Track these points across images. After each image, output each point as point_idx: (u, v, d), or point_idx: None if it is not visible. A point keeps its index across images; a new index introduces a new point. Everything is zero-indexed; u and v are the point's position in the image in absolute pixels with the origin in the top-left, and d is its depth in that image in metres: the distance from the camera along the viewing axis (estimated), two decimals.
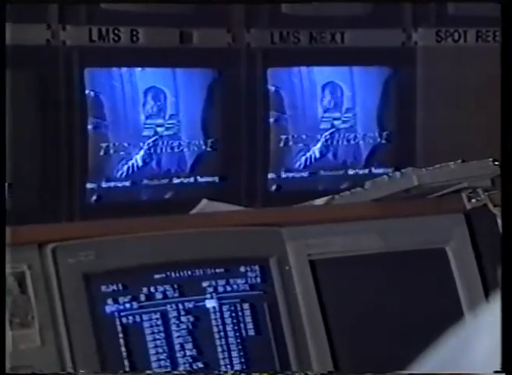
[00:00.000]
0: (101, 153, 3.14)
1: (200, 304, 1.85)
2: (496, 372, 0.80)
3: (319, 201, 2.15)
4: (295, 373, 1.92)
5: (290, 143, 3.36)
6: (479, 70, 3.37)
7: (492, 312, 0.88)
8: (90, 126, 3.05)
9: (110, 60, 3.13)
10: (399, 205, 2.09)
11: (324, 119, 3.38)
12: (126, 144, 3.19)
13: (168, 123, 3.25)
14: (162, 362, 1.82)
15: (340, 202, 2.14)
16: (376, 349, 1.90)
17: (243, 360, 1.88)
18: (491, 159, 2.06)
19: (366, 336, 1.97)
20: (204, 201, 2.14)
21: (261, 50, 3.24)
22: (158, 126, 3.21)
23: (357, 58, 3.41)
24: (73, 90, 3.01)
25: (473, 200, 2.03)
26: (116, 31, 3.06)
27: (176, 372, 1.73)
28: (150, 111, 3.21)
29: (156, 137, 3.23)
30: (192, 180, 3.17)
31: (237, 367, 1.89)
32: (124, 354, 1.79)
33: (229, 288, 1.87)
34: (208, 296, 1.85)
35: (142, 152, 3.18)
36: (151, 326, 1.81)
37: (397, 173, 2.14)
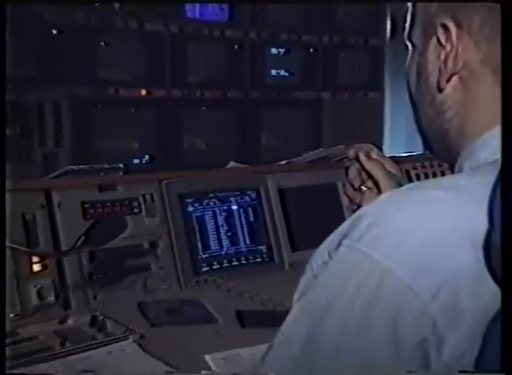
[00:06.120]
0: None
1: (230, 207, 1.92)
2: (497, 372, 0.59)
3: (283, 162, 2.16)
4: None
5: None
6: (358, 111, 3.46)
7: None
8: None
9: None
10: (318, 164, 2.09)
11: None
12: None
13: None
14: (212, 233, 1.86)
15: (295, 161, 2.14)
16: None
17: (249, 232, 1.93)
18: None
19: (308, 227, 1.95)
20: (232, 163, 2.14)
21: None
22: None
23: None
24: None
25: (348, 162, 1.83)
26: None
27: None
28: None
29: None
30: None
31: (247, 237, 1.91)
32: (197, 232, 1.84)
33: (242, 201, 1.93)
34: (234, 203, 1.92)
35: None
36: (208, 218, 1.87)
37: (322, 149, 2.15)
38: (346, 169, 1.34)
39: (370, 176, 1.21)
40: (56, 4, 2.55)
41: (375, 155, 1.23)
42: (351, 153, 1.24)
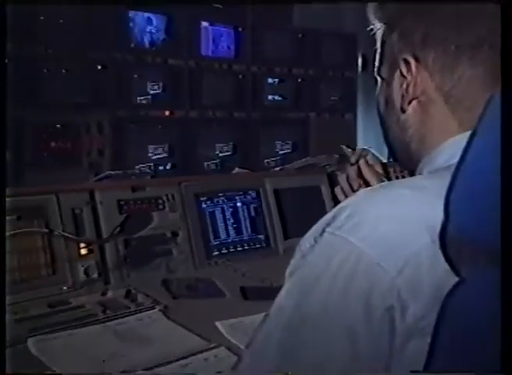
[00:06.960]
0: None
1: (235, 204, 1.85)
2: (497, 372, 0.52)
3: (277, 168, 2.16)
4: None
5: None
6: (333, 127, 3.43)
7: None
8: None
9: None
10: (305, 170, 2.06)
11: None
12: None
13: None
14: (221, 225, 1.80)
15: (287, 168, 2.11)
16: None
17: (251, 224, 1.87)
18: (336, 155, 1.97)
19: (296, 217, 1.90)
20: (237, 169, 2.10)
21: None
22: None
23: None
24: None
25: (329, 169, 1.99)
26: None
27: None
28: None
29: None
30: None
31: (249, 228, 1.83)
32: (209, 224, 1.78)
33: (245, 199, 1.87)
34: (238, 201, 1.86)
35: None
36: (218, 213, 1.81)
37: (308, 158, 2.12)
38: (334, 171, 1.31)
39: (365, 179, 1.19)
40: (56, 4, 2.42)
41: (370, 159, 1.19)
42: (353, 158, 1.19)
